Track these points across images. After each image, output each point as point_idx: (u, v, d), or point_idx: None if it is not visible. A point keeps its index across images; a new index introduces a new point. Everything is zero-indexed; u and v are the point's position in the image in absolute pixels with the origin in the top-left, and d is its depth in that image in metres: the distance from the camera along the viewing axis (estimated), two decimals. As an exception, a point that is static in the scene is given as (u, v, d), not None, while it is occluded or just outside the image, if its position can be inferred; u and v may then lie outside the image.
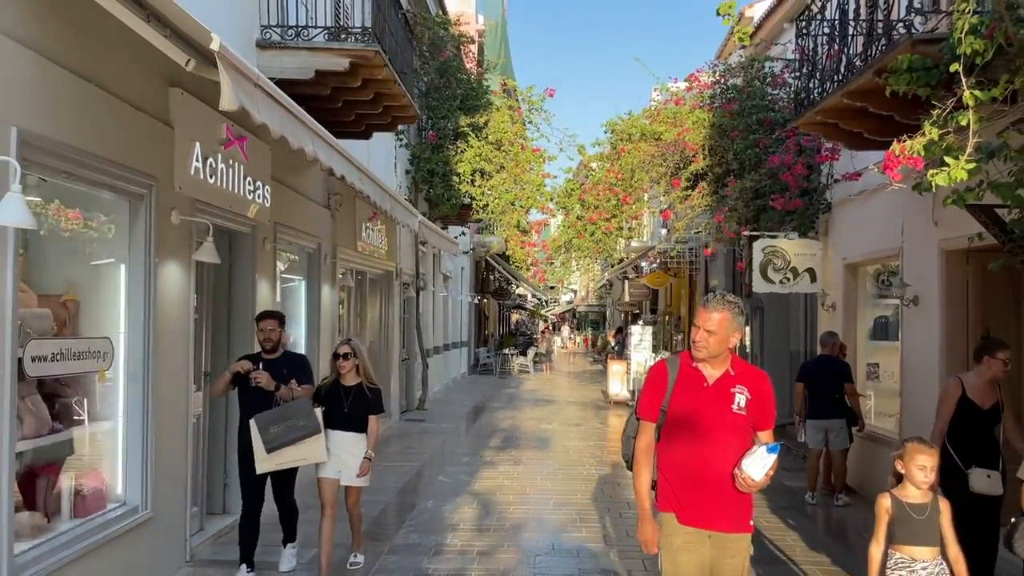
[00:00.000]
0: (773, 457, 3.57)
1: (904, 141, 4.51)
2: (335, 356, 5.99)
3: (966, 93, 4.18)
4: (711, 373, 3.76)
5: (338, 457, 5.87)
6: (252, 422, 5.65)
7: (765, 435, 3.75)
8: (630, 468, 4.01)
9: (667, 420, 3.79)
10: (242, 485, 6.07)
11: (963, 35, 4.16)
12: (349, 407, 5.87)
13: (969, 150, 4.22)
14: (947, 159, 4.23)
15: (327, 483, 5.89)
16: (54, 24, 4.45)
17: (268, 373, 5.77)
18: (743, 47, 15.14)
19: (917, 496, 3.98)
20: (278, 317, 6.16)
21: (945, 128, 4.36)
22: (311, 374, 6.21)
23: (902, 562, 3.94)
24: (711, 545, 3.74)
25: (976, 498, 5.31)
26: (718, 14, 5.21)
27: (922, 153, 4.40)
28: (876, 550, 4.01)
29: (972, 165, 4.19)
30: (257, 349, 6.26)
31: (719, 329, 3.65)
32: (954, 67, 4.27)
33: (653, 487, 3.88)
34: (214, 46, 3.69)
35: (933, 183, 4.31)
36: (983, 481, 5.33)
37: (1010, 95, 4.32)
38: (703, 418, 3.71)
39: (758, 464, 3.56)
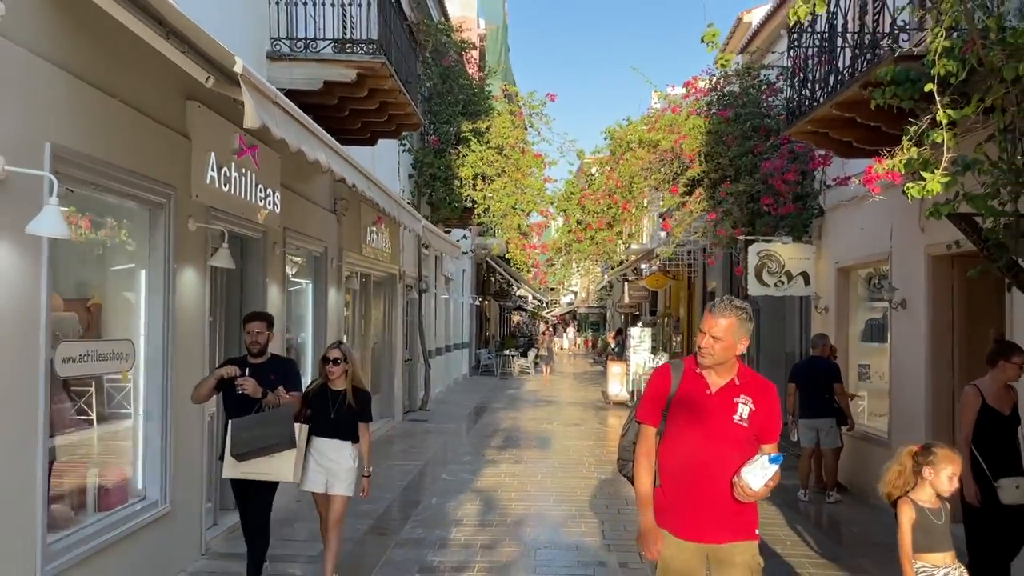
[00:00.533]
0: (775, 468, 3.49)
1: (885, 159, 4.77)
2: (324, 360, 5.70)
3: (939, 112, 4.45)
4: (715, 381, 3.66)
5: (324, 467, 5.57)
6: (229, 424, 5.43)
7: (769, 448, 3.65)
8: (625, 476, 3.97)
9: (666, 426, 3.71)
10: (233, 491, 5.83)
11: (936, 57, 4.43)
12: (336, 413, 5.58)
13: (943, 165, 4.48)
14: (923, 173, 4.50)
15: (319, 498, 5.69)
16: (82, 44, 4.70)
17: (255, 380, 5.43)
18: (740, 53, 15.43)
19: (934, 501, 3.89)
20: (266, 319, 5.81)
21: (922, 145, 4.63)
22: (299, 380, 5.90)
23: (924, 570, 3.82)
24: (711, 558, 3.65)
25: (1005, 508, 5.17)
26: (702, 41, 5.47)
27: (902, 170, 4.65)
28: (911, 566, 3.83)
29: (947, 179, 4.46)
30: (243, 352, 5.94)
31: (726, 335, 3.54)
32: (928, 87, 4.55)
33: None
34: (237, 68, 3.95)
35: (909, 194, 4.57)
36: (1013, 492, 5.16)
37: (981, 112, 4.59)
38: (703, 427, 3.62)
39: (758, 473, 3.48)
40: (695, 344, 3.69)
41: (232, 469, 5.41)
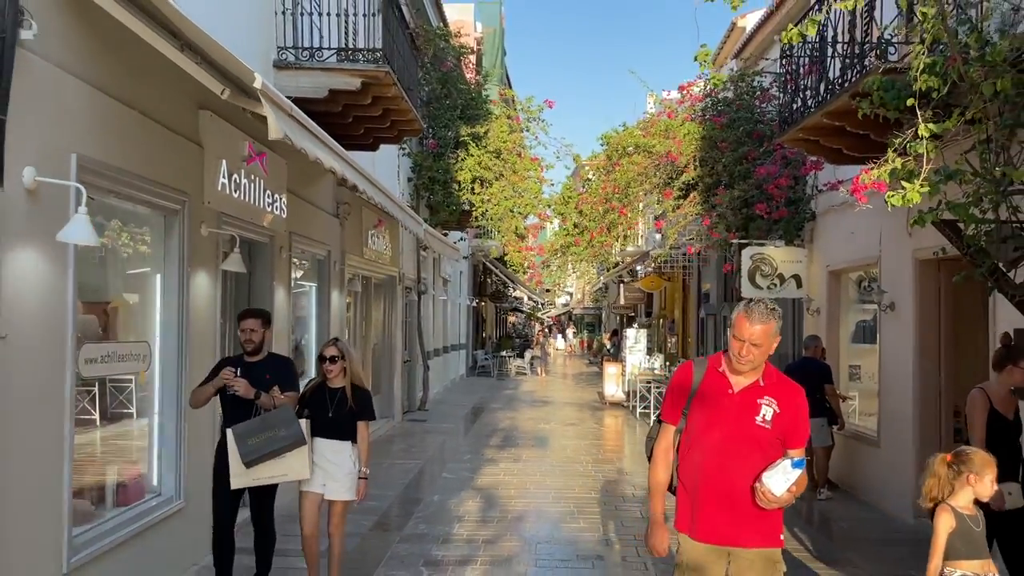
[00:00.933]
0: (798, 472, 3.37)
1: (871, 170, 5.00)
2: (321, 358, 5.50)
3: (921, 126, 4.68)
4: (738, 381, 3.56)
5: (322, 468, 5.40)
6: (228, 432, 5.22)
7: (795, 452, 3.53)
8: None
9: (686, 425, 3.65)
10: (213, 501, 5.61)
11: (918, 73, 4.67)
12: (334, 411, 5.40)
13: (924, 175, 4.72)
14: (904, 183, 4.74)
15: (309, 500, 5.44)
16: (103, 57, 4.90)
17: (246, 381, 5.29)
18: (735, 57, 15.67)
19: (971, 507, 3.86)
20: (261, 316, 5.65)
21: (906, 156, 4.87)
22: (296, 379, 5.75)
23: None
24: (732, 562, 3.55)
25: (1003, 513, 5.04)
26: (695, 60, 5.72)
27: (887, 180, 4.89)
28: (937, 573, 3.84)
29: (926, 189, 4.69)
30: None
31: (764, 340, 3.43)
32: (910, 101, 4.78)
33: (672, 490, 3.74)
34: (257, 84, 4.16)
35: (889, 203, 4.81)
36: (1007, 498, 5.03)
37: (963, 124, 4.82)
38: (722, 427, 3.53)
39: (780, 478, 3.36)
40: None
41: (243, 478, 5.25)
